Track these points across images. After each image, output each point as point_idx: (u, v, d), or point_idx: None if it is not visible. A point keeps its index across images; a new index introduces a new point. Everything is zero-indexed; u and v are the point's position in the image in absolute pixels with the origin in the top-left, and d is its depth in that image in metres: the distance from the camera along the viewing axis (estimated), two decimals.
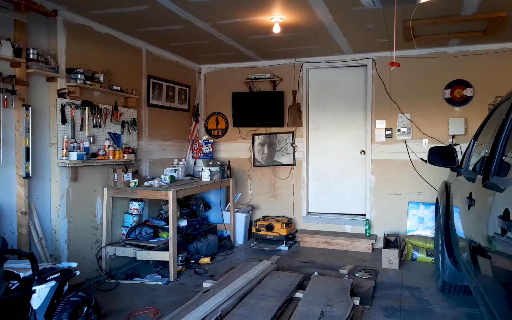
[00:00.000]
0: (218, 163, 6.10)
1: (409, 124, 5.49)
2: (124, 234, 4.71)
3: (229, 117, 6.44)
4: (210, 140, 6.14)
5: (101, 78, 4.30)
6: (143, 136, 5.21)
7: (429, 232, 5.27)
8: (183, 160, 5.92)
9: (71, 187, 4.07)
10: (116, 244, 4.52)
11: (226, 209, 5.97)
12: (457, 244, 3.10)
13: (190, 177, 5.72)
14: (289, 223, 5.83)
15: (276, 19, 4.12)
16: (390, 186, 5.61)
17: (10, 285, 2.57)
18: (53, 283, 2.73)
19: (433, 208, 5.02)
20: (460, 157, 3.63)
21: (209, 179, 5.38)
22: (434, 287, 4.06)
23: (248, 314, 3.24)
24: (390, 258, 4.72)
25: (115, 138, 4.60)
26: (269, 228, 5.70)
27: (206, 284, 3.99)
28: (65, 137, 3.93)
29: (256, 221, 5.87)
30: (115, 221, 4.65)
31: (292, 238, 5.83)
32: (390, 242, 5.14)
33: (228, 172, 5.97)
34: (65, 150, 3.89)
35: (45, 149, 3.86)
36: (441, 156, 3.41)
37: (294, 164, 6.15)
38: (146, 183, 4.64)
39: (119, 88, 4.57)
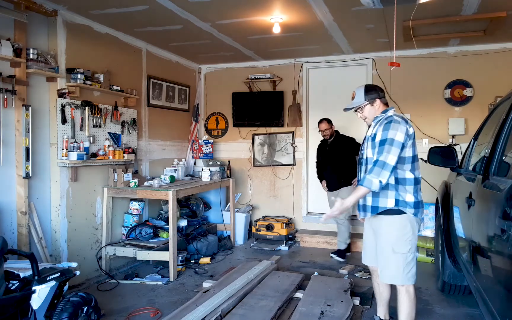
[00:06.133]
0: (218, 163, 6.10)
1: None
2: (124, 234, 4.71)
3: (229, 117, 6.44)
4: (210, 140, 6.14)
5: (101, 78, 4.30)
6: (143, 136, 5.21)
7: (429, 232, 5.27)
8: (183, 160, 5.92)
9: (71, 187, 4.07)
10: (116, 244, 4.52)
11: (226, 209, 5.97)
12: (457, 244, 3.10)
13: (190, 177, 5.72)
14: (289, 223, 5.83)
15: (276, 19, 4.12)
16: None
17: (10, 285, 2.57)
18: (53, 283, 2.72)
19: (433, 208, 5.02)
20: (460, 157, 3.62)
21: (209, 179, 5.39)
22: (434, 287, 4.06)
23: (248, 314, 3.24)
24: None
25: (115, 138, 4.60)
26: (269, 228, 5.70)
27: (206, 284, 3.99)
28: (65, 137, 3.93)
29: (256, 221, 5.88)
30: (115, 221, 4.65)
31: (292, 238, 5.83)
32: None
33: (228, 172, 5.97)
34: (65, 150, 3.89)
35: (45, 149, 3.86)
36: (441, 156, 3.41)
37: (294, 164, 6.15)
38: (146, 183, 4.64)
39: (119, 88, 4.57)
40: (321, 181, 5.35)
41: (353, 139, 5.13)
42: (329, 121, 5.07)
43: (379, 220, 2.70)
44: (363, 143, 2.84)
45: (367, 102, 2.77)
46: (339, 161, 5.03)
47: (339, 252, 5.08)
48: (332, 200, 5.07)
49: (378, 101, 2.76)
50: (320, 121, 5.10)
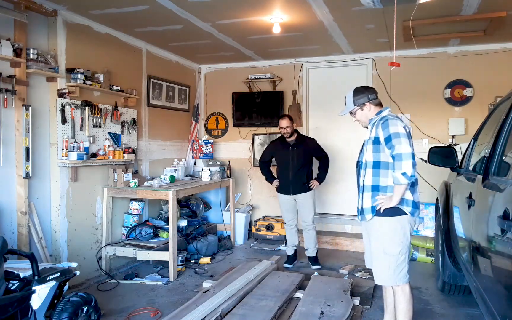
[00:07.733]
0: (218, 163, 6.10)
1: (409, 124, 5.49)
2: (124, 234, 4.71)
3: (229, 117, 6.44)
4: (210, 140, 6.14)
5: (101, 78, 4.30)
6: (143, 136, 5.21)
7: (429, 232, 5.27)
8: (183, 160, 5.92)
9: (71, 187, 4.07)
10: (116, 244, 4.52)
11: (226, 209, 5.97)
12: (457, 244, 3.10)
13: (190, 177, 5.72)
14: None
15: (276, 19, 4.12)
16: None
17: (10, 285, 2.57)
18: (53, 283, 2.72)
19: (433, 208, 5.02)
20: (460, 157, 3.63)
21: (209, 179, 5.39)
22: (434, 287, 4.05)
23: (248, 314, 3.24)
24: None
25: (115, 138, 4.59)
26: (269, 228, 5.71)
27: (206, 284, 4.00)
28: (65, 137, 3.93)
29: (256, 221, 5.88)
30: (115, 221, 4.65)
31: None
32: None
33: (228, 172, 5.97)
34: (65, 150, 3.89)
35: (45, 149, 3.86)
36: (441, 156, 3.41)
37: None
38: (146, 183, 4.64)
39: (119, 88, 4.57)
40: (271, 182, 4.82)
41: (315, 140, 4.80)
42: (290, 118, 4.62)
43: (371, 222, 2.68)
44: (362, 147, 2.82)
45: (357, 107, 2.78)
46: (304, 163, 4.62)
47: (314, 260, 4.77)
48: (291, 203, 4.70)
49: (368, 105, 2.75)
50: (282, 117, 4.62)
